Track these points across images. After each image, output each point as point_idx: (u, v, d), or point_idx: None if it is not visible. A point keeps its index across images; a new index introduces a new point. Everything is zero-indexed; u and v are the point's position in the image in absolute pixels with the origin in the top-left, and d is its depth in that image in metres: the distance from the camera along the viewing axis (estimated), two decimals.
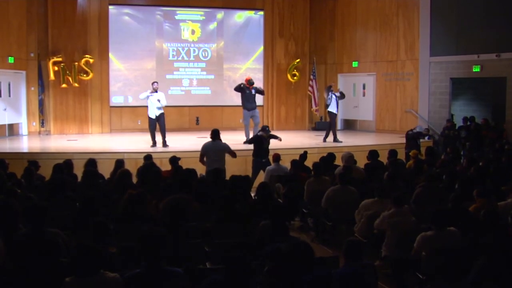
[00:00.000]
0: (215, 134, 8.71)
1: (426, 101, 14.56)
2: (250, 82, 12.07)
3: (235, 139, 11.67)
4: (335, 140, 12.42)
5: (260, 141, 9.52)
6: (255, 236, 4.73)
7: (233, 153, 8.83)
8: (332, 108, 12.59)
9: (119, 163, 7.63)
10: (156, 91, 11.28)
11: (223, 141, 8.95)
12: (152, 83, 11.42)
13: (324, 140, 12.61)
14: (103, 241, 3.96)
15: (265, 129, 9.73)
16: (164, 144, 11.23)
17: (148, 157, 8.25)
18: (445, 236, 4.68)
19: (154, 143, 11.28)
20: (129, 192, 4.95)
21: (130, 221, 4.75)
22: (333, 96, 12.54)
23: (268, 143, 9.68)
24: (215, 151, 8.62)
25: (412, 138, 11.41)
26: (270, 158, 9.60)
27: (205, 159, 8.68)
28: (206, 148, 8.70)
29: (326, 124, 13.83)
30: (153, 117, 11.23)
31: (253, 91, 11.96)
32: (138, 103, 13.94)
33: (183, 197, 4.83)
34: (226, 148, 8.77)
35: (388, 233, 5.30)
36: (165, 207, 4.67)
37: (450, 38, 14.05)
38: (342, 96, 12.97)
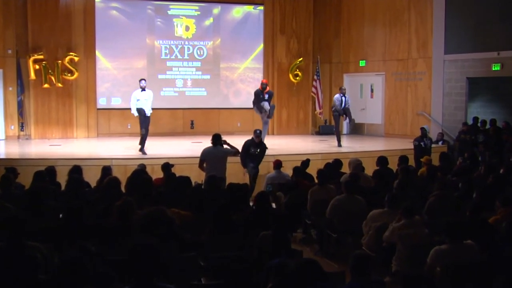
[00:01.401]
0: (217, 139, 8.77)
1: (439, 102, 14.58)
2: (262, 85, 12.03)
3: (233, 144, 11.57)
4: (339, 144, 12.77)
5: (247, 146, 9.64)
6: (254, 249, 4.74)
7: (235, 152, 8.95)
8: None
9: (106, 170, 7.67)
10: (144, 89, 11.25)
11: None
12: (140, 81, 11.34)
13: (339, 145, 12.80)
14: (88, 257, 3.88)
15: (255, 132, 9.82)
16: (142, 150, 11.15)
17: (141, 165, 8.33)
18: (461, 250, 4.67)
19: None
20: (117, 203, 4.97)
21: (119, 233, 4.75)
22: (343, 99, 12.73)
23: (260, 148, 9.76)
24: (215, 157, 8.69)
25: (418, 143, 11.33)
26: (270, 165, 9.67)
27: (204, 165, 8.74)
28: (206, 154, 8.76)
29: (332, 128, 13.92)
30: (149, 114, 11.21)
31: (266, 96, 11.94)
32: (128, 105, 13.50)
33: (158, 208, 4.81)
34: (227, 153, 8.88)
35: (398, 247, 5.31)
36: (137, 221, 4.69)
37: (467, 34, 14.03)
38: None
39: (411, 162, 10.00)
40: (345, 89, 13.21)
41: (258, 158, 9.77)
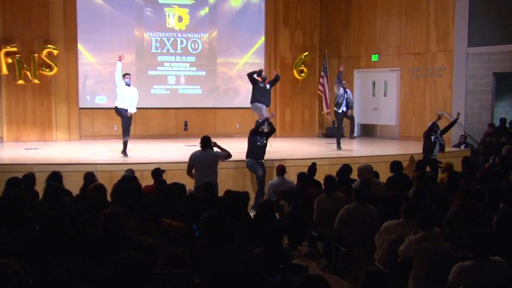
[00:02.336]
0: (206, 142, 8.87)
1: (462, 101, 14.55)
2: (260, 74, 12.11)
3: (231, 148, 11.58)
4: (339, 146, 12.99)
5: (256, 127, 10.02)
6: (249, 266, 4.78)
7: (227, 155, 9.02)
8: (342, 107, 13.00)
9: (89, 176, 7.69)
10: (129, 85, 11.31)
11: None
12: (124, 76, 11.32)
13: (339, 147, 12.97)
14: (68, 275, 3.81)
15: (257, 122, 10.29)
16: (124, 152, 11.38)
17: (129, 171, 8.41)
18: (487, 268, 4.63)
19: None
20: (104, 212, 4.97)
21: (105, 247, 4.73)
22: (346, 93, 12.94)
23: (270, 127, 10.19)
24: (205, 162, 8.77)
25: (428, 135, 11.46)
26: (272, 170, 9.86)
27: (193, 171, 8.82)
28: (195, 159, 8.84)
29: (335, 129, 14.12)
30: (124, 107, 11.20)
31: (267, 86, 12.07)
32: (113, 103, 13.79)
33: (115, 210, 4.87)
34: (218, 157, 8.98)
35: (416, 262, 5.29)
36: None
37: (494, 24, 13.97)
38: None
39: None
40: (346, 84, 13.29)
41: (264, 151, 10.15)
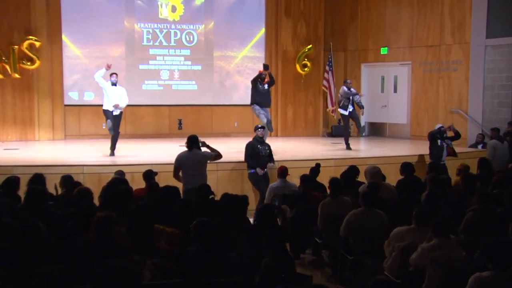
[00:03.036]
0: (193, 142, 8.84)
1: (479, 97, 14.53)
2: (261, 75, 12.05)
3: (229, 148, 11.71)
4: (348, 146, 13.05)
5: (252, 146, 9.94)
6: (254, 276, 4.76)
7: (216, 155, 8.97)
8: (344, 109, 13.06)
9: (66, 180, 7.74)
10: (115, 85, 11.43)
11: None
12: (110, 75, 11.45)
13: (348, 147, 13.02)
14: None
15: (257, 128, 10.13)
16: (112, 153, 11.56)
17: (119, 173, 8.44)
18: (508, 279, 4.58)
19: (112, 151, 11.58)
20: (97, 216, 5.01)
21: (93, 253, 4.78)
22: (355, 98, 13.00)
23: (268, 148, 10.16)
24: (193, 163, 8.75)
25: (433, 139, 11.39)
26: (273, 173, 9.84)
27: (180, 173, 8.83)
28: (181, 160, 8.82)
29: (341, 128, 14.17)
30: (110, 109, 11.38)
31: (266, 86, 12.06)
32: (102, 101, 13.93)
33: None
34: (206, 157, 8.92)
35: (429, 272, 5.25)
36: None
37: None
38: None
39: (452, 170, 10.04)
40: (350, 83, 13.34)
41: (268, 159, 10.12)
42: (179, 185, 8.06)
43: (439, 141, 11.28)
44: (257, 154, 10.03)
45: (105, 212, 5.19)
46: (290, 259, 5.02)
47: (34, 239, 4.80)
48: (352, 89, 13.06)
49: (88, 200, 6.37)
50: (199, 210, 6.35)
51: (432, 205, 6.69)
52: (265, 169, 10.02)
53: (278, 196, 8.49)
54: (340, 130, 15.71)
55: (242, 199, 6.59)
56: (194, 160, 8.76)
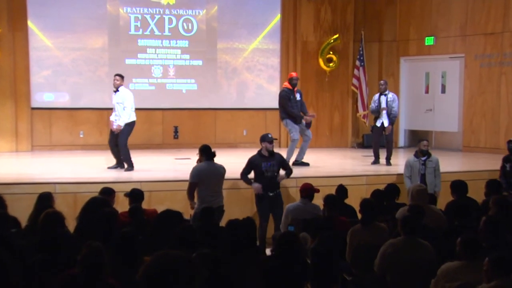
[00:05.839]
0: (210, 152, 9.02)
1: None
2: (292, 82, 12.39)
3: (236, 162, 11.41)
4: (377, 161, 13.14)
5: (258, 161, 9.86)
6: None
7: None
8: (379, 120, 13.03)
9: (44, 200, 7.77)
10: (117, 90, 11.64)
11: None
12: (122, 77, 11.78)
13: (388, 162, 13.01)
14: None
15: (266, 138, 9.91)
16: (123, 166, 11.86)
17: (106, 191, 8.40)
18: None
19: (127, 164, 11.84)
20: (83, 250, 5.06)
21: None
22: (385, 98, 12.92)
23: (277, 164, 9.96)
24: (213, 178, 8.90)
25: (503, 164, 11.34)
26: (291, 192, 10.18)
27: (195, 192, 8.99)
28: (201, 174, 8.91)
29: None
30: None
31: (297, 96, 12.35)
32: (81, 102, 14.76)
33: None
34: (225, 171, 9.14)
35: None
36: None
37: None
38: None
39: None
40: (385, 85, 13.07)
41: (276, 181, 9.89)
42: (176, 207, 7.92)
43: (507, 165, 11.29)
44: (261, 174, 9.72)
45: (94, 242, 5.20)
46: None
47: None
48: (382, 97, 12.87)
49: (58, 227, 6.36)
50: (203, 239, 6.46)
51: (492, 234, 6.55)
52: (275, 191, 9.75)
53: (297, 220, 8.45)
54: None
55: (246, 225, 6.43)
56: (217, 173, 8.97)
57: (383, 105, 12.69)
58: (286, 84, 12.41)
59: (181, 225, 6.61)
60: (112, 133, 11.75)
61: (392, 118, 12.79)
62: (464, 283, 5.61)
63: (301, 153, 12.45)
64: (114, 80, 11.70)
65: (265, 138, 9.81)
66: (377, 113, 12.80)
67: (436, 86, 16.45)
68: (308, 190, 8.85)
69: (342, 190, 9.03)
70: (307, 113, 12.53)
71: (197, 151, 9.34)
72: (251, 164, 9.77)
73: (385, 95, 12.70)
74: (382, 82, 13.12)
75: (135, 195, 8.20)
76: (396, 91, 14.86)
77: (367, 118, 16.03)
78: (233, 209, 9.60)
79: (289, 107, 12.21)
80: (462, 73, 15.72)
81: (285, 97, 12.23)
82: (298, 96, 12.38)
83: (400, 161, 13.55)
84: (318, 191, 8.97)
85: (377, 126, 12.88)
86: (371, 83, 16.02)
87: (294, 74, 12.91)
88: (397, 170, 12.09)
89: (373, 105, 12.91)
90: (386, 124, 12.75)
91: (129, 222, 7.53)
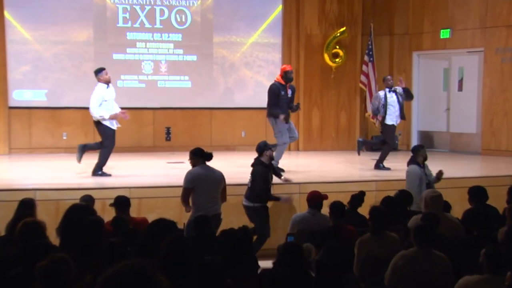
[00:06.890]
0: (203, 155, 9.03)
1: None
2: (287, 76, 12.24)
3: (233, 166, 11.90)
4: (378, 166, 13.01)
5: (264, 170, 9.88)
6: None
7: (225, 192, 9.33)
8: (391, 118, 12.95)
9: (26, 207, 7.81)
10: (108, 84, 11.62)
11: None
12: (100, 71, 11.58)
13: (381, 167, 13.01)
14: None
15: (265, 147, 9.91)
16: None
17: (86, 198, 8.52)
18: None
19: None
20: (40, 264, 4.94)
21: None
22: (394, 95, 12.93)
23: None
24: (210, 183, 8.90)
25: None
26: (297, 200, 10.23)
27: (190, 199, 8.99)
28: (196, 179, 8.88)
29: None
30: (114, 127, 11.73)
31: (289, 92, 12.29)
32: (64, 101, 14.69)
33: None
34: (223, 180, 9.13)
35: None
36: None
37: None
38: (408, 95, 13.25)
39: None
40: (391, 80, 13.11)
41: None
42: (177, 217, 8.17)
43: None
44: (268, 186, 9.86)
45: (58, 254, 5.12)
46: None
47: None
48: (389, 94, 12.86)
49: (38, 238, 6.25)
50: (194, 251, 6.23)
51: None
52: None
53: (303, 232, 8.39)
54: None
55: (241, 234, 6.45)
56: (214, 179, 8.93)
57: (393, 101, 12.60)
58: (279, 78, 12.23)
59: (168, 236, 6.43)
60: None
61: (404, 114, 12.86)
62: None
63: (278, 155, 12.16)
64: (107, 75, 11.54)
65: (267, 146, 9.87)
66: (378, 112, 12.79)
67: (452, 84, 16.43)
68: (316, 198, 8.80)
69: (358, 198, 9.04)
70: (292, 108, 12.44)
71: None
72: (266, 179, 9.78)
73: (394, 91, 12.65)
74: (389, 77, 13.11)
75: (120, 203, 8.17)
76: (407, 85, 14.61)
77: (376, 118, 15.71)
78: (231, 217, 9.46)
79: (274, 105, 12.07)
80: (481, 69, 15.67)
81: (274, 92, 12.08)
82: (290, 93, 12.29)
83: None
84: (326, 197, 8.90)
85: (390, 125, 12.77)
86: (380, 80, 15.27)
87: (288, 67, 12.71)
88: (396, 175, 12.13)
89: (376, 103, 12.84)
90: (398, 121, 12.83)
91: (115, 232, 7.56)
